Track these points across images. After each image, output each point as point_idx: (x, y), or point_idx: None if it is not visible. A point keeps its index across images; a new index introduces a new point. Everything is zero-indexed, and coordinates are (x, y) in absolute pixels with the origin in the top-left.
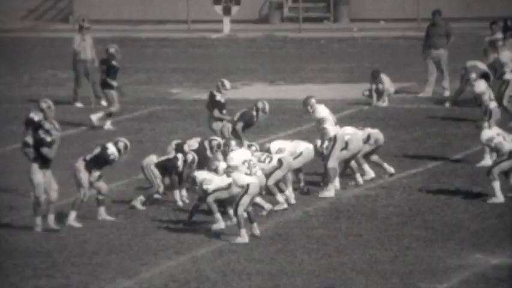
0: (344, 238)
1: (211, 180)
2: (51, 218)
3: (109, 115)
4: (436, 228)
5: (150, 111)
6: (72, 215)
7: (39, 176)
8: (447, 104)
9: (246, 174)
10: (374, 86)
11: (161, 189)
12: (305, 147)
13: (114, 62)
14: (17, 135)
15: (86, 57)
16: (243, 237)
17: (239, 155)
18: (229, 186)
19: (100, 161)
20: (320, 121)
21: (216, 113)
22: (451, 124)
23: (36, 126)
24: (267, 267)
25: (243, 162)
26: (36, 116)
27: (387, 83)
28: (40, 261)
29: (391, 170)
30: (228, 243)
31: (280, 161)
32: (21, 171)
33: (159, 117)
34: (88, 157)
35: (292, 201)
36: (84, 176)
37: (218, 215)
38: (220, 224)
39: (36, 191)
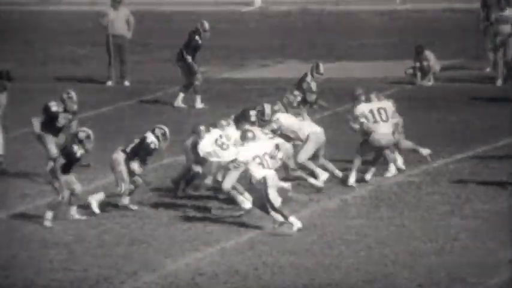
0: (385, 229)
1: (216, 153)
2: (73, 209)
3: (188, 88)
4: (486, 218)
5: (174, 91)
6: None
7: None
8: (499, 82)
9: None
10: (418, 64)
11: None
12: (312, 130)
13: (196, 37)
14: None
15: (115, 32)
16: (296, 223)
17: (249, 151)
18: (234, 161)
19: (141, 152)
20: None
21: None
22: (502, 105)
23: (51, 117)
24: (302, 260)
25: (254, 158)
26: (54, 106)
27: (432, 60)
28: (57, 253)
29: (425, 151)
30: (260, 233)
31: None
32: (35, 157)
33: (184, 97)
34: (129, 149)
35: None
36: (124, 169)
37: (240, 198)
38: (246, 204)
39: (59, 189)
